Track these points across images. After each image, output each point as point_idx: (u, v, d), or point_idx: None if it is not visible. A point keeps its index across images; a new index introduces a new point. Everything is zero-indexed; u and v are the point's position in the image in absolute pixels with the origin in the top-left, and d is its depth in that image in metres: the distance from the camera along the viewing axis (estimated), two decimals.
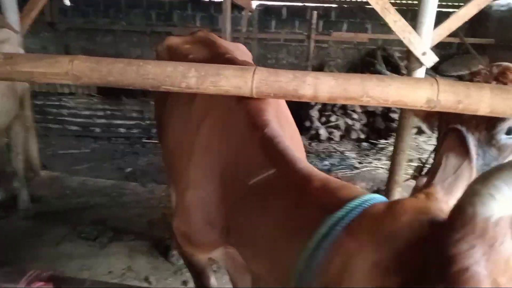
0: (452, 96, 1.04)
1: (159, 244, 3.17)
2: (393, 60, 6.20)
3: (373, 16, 6.54)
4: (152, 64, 1.13)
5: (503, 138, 1.17)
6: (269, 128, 1.07)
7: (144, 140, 5.28)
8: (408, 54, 2.80)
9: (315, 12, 5.73)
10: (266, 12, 6.99)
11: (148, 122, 5.32)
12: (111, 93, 5.53)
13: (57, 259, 2.84)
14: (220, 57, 1.64)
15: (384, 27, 6.74)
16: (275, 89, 1.09)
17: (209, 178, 1.23)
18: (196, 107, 1.47)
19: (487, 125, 1.17)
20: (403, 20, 2.52)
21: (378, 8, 2.40)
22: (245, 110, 1.16)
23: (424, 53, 2.73)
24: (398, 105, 1.08)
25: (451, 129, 1.22)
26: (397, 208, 0.67)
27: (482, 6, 2.54)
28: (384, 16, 2.42)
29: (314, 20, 5.75)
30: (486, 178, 0.57)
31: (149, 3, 7.23)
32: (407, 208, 0.66)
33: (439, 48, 6.17)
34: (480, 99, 1.03)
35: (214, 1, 7.03)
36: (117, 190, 4.12)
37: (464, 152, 1.16)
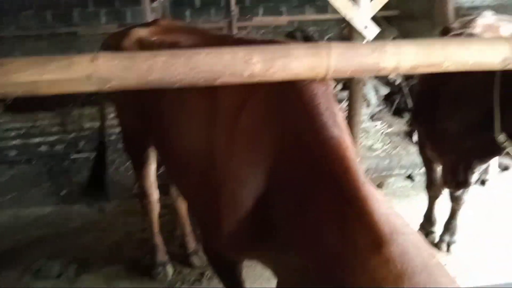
0: None
1: (136, 265, 2.84)
2: (313, 40, 6.37)
3: None
4: (204, 54, 0.91)
5: None
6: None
7: (72, 156, 4.67)
8: (350, 31, 2.83)
9: None
10: (177, 2, 6.62)
11: (73, 134, 4.70)
12: (22, 108, 4.76)
13: None
14: (227, 40, 1.48)
15: (298, 8, 6.88)
16: (354, 65, 0.95)
17: (260, 170, 1.17)
18: (222, 100, 1.29)
19: None
20: None
21: None
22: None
23: (366, 27, 2.79)
24: (475, 67, 1.02)
25: None
26: None
27: None
28: None
29: (233, 7, 5.61)
30: None
31: (41, 3, 6.34)
32: None
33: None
34: None
35: None
36: (60, 216, 3.59)
37: None
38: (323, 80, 1.01)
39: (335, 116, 1.07)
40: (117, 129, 4.65)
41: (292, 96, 1.09)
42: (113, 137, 4.66)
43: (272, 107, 1.16)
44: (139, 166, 2.48)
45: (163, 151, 1.88)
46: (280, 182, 1.12)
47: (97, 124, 4.69)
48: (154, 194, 2.66)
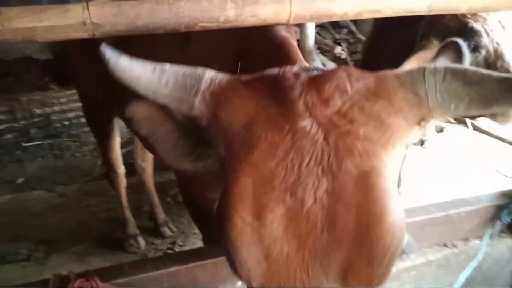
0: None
1: (106, 241, 2.89)
2: None
3: None
4: (184, 0, 1.04)
5: None
6: None
7: (24, 144, 4.52)
8: None
9: None
10: None
11: (23, 122, 4.54)
12: None
13: None
14: None
15: None
16: (311, 11, 1.13)
17: None
18: (194, 47, 1.41)
19: None
20: None
21: None
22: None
23: None
24: (408, 12, 1.24)
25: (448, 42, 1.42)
26: None
27: None
28: None
29: None
30: None
31: None
32: None
33: None
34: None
35: None
36: (19, 203, 3.51)
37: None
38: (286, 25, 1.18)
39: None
40: (71, 114, 4.58)
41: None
42: (66, 123, 4.57)
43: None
44: (104, 139, 2.53)
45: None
46: None
47: (48, 110, 4.58)
48: (121, 167, 2.72)
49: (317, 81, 0.70)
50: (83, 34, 1.00)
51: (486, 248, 1.65)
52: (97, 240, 2.95)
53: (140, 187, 3.16)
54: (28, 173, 4.12)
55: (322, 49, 6.04)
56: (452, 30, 1.82)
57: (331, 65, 6.01)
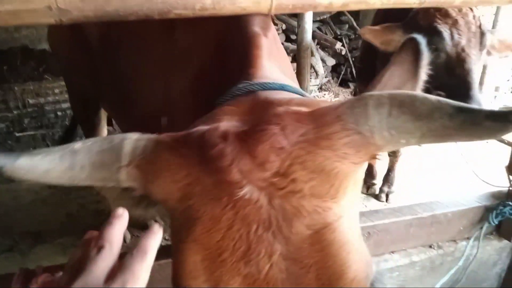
0: None
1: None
2: None
3: None
4: None
5: None
6: None
7: (17, 134, 4.48)
8: None
9: None
10: None
11: (16, 112, 4.49)
12: None
13: None
14: None
15: None
16: (293, 0, 1.08)
17: None
18: (177, 36, 1.36)
19: None
20: None
21: None
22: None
23: None
24: (397, 5, 1.19)
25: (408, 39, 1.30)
26: None
27: None
28: None
29: None
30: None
31: None
32: None
33: None
34: None
35: None
36: (8, 194, 3.48)
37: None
38: (267, 14, 1.13)
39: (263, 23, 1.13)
40: (64, 105, 4.53)
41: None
42: (60, 114, 4.53)
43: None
44: (91, 130, 2.48)
45: (122, 106, 1.87)
46: None
47: (41, 100, 4.53)
48: None
49: (249, 142, 0.62)
50: (50, 20, 0.95)
51: (473, 250, 1.60)
52: (84, 232, 2.91)
53: None
54: None
55: (322, 45, 5.97)
56: (421, 28, 1.75)
57: (330, 61, 5.95)
